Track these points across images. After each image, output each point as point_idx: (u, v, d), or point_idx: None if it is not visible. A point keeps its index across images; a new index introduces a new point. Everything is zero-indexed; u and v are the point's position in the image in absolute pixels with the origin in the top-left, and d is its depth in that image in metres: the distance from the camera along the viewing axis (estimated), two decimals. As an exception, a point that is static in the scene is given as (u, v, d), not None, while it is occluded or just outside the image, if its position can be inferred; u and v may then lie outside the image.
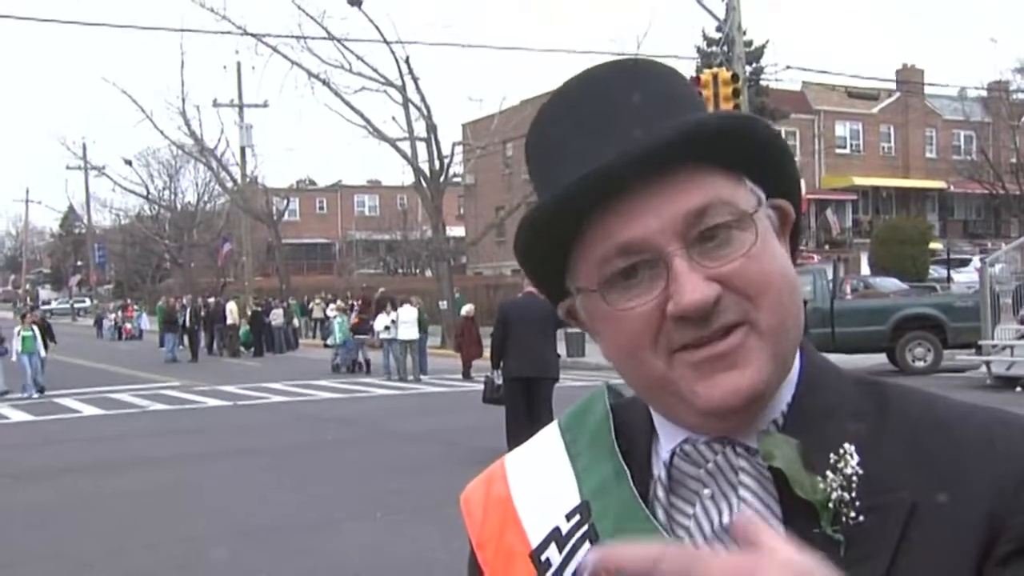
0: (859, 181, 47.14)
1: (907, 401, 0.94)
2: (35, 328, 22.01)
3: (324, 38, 31.42)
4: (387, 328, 23.45)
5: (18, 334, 21.66)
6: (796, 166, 0.97)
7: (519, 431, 10.37)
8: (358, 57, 31.98)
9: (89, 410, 18.35)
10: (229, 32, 32.50)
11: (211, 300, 37.04)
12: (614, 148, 0.86)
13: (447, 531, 7.85)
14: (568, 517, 0.96)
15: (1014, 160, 46.39)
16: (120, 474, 11.56)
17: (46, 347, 22.52)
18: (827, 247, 44.43)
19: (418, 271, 57.23)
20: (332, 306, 32.19)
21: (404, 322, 22.54)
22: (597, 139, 0.89)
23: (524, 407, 10.59)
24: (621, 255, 0.87)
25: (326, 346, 30.10)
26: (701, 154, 0.87)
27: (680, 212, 0.86)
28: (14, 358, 21.39)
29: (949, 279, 29.83)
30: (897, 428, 0.90)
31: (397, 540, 8.08)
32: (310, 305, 39.05)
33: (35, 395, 20.82)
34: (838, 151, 48.38)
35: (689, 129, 0.86)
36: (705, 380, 0.86)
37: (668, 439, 0.95)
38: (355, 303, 30.15)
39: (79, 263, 78.63)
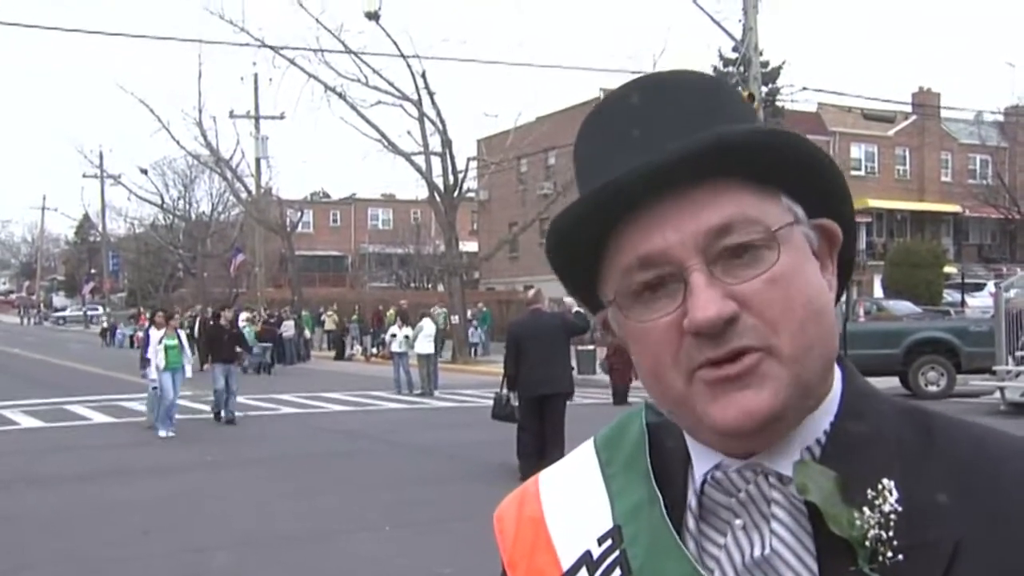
0: (874, 203, 47.01)
1: (954, 433, 0.89)
2: (180, 335, 16.38)
3: (341, 51, 31.72)
4: (395, 339, 23.51)
5: (160, 342, 15.86)
6: (845, 185, 0.92)
7: (530, 447, 10.43)
8: (375, 71, 32.24)
9: (99, 417, 18.39)
10: (247, 44, 32.83)
11: (223, 310, 37.07)
12: (635, 162, 0.84)
13: (455, 545, 7.84)
14: (600, 541, 0.94)
15: (1030, 185, 46.29)
16: (129, 482, 11.58)
17: (210, 359, 17.49)
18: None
19: (430, 285, 57.26)
20: (243, 316, 33.02)
21: (425, 336, 22.58)
22: (622, 154, 0.88)
23: (537, 424, 10.64)
24: (642, 267, 0.86)
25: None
26: (725, 168, 0.84)
27: (702, 227, 0.84)
28: (153, 375, 15.80)
29: (963, 303, 29.64)
30: (942, 461, 0.86)
31: (405, 553, 8.06)
32: (322, 317, 39.15)
33: (169, 432, 15.38)
34: (853, 173, 48.24)
35: (705, 144, 0.83)
36: (718, 401, 0.84)
37: (700, 463, 0.91)
38: (262, 314, 32.00)
39: (93, 271, 78.93)
